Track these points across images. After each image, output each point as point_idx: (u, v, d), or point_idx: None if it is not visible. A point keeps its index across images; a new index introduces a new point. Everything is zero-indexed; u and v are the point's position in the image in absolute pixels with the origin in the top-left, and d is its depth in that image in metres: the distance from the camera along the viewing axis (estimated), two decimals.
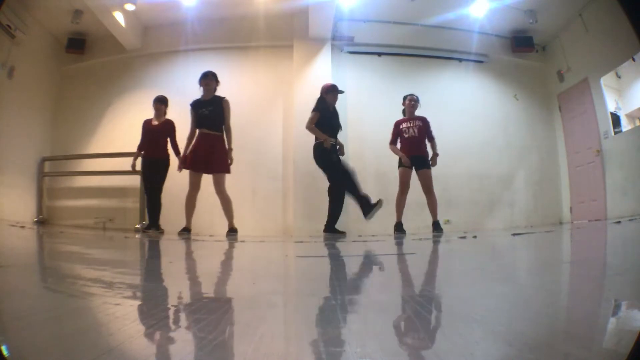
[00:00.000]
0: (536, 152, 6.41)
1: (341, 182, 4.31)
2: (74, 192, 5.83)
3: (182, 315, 0.88)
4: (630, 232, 3.13)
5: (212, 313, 0.84)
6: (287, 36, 6.06)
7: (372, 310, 0.90)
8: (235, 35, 6.12)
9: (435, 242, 3.18)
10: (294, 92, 5.88)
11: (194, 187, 4.32)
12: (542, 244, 2.79)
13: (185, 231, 4.32)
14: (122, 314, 0.87)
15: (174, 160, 4.64)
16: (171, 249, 2.94)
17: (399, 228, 4.53)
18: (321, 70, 5.90)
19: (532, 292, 1.09)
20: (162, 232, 4.70)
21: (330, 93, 4.53)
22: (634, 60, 5.13)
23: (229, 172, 4.35)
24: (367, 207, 4.27)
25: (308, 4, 5.47)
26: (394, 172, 5.56)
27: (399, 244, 3.05)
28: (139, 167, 4.70)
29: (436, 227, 4.45)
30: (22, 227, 4.18)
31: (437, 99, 5.92)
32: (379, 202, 4.26)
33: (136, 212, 5.12)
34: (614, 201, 5.31)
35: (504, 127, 6.35)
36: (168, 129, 4.75)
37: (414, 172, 4.55)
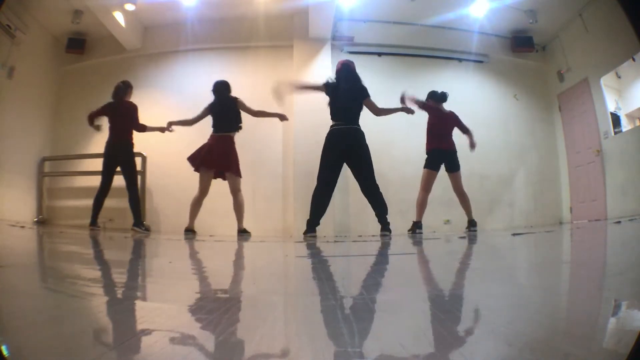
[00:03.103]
0: (536, 152, 6.40)
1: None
2: (74, 192, 5.83)
3: (182, 315, 0.88)
4: (630, 232, 3.13)
5: (212, 313, 0.84)
6: (287, 36, 6.06)
7: (371, 310, 0.90)
8: (235, 35, 6.12)
9: (435, 242, 3.18)
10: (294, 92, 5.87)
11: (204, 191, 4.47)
12: (542, 244, 2.79)
13: (190, 232, 4.40)
14: (122, 314, 0.87)
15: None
16: (171, 249, 2.94)
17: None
18: (321, 70, 5.89)
19: (532, 292, 1.09)
20: (149, 231, 4.77)
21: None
22: (634, 60, 5.13)
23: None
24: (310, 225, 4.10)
25: (308, 4, 5.47)
26: (394, 173, 5.57)
27: (398, 244, 3.05)
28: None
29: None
30: (22, 227, 4.18)
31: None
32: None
33: None
34: (614, 201, 5.31)
35: (504, 127, 6.35)
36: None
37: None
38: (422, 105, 4.69)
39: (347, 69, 4.34)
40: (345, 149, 4.13)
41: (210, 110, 4.58)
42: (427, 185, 4.62)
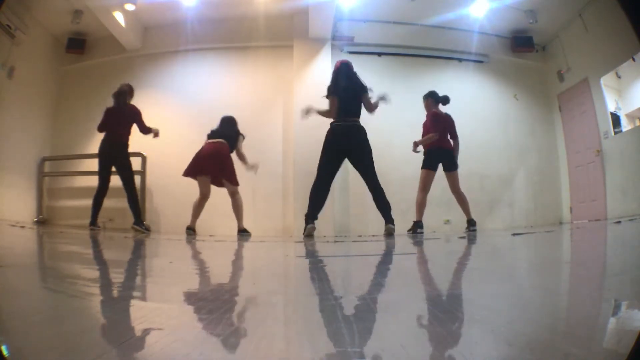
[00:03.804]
0: (536, 152, 6.40)
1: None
2: (74, 192, 5.83)
3: (182, 315, 0.88)
4: (630, 232, 3.13)
5: (212, 313, 0.84)
6: (287, 36, 6.06)
7: (371, 310, 0.90)
8: (235, 35, 6.12)
9: (435, 242, 3.18)
10: (294, 92, 5.88)
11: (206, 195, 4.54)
12: (542, 244, 2.79)
13: (191, 230, 4.47)
14: (122, 314, 0.87)
15: None
16: (171, 249, 2.94)
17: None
18: (321, 70, 5.89)
19: (532, 292, 1.09)
20: (149, 231, 4.80)
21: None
22: (634, 60, 5.13)
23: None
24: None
25: (308, 4, 5.47)
26: (394, 173, 5.56)
27: (399, 244, 3.05)
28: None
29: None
30: (22, 227, 4.18)
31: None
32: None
33: None
34: (614, 201, 5.31)
35: (504, 127, 6.35)
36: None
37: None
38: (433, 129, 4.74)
39: (346, 67, 4.35)
40: (345, 146, 4.14)
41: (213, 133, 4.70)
42: (425, 185, 4.63)
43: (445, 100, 4.78)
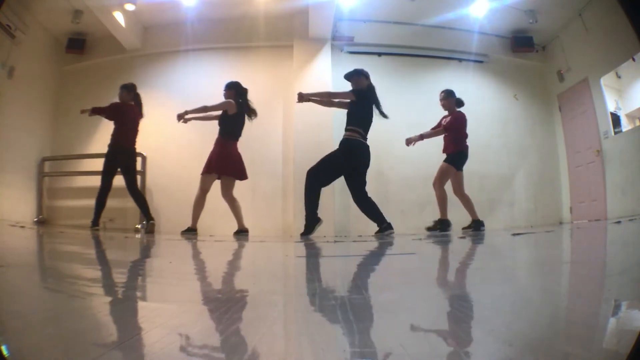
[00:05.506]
0: (536, 152, 6.40)
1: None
2: (74, 192, 5.83)
3: (182, 315, 0.88)
4: (630, 232, 3.13)
5: (212, 313, 0.84)
6: (287, 36, 6.05)
7: (371, 310, 0.90)
8: (235, 35, 6.12)
9: (435, 242, 3.18)
10: (294, 92, 5.86)
11: (205, 190, 4.48)
12: (542, 244, 2.79)
13: (191, 231, 4.41)
14: (122, 314, 0.87)
15: None
16: (171, 249, 2.94)
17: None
18: (321, 70, 5.89)
19: (532, 292, 1.09)
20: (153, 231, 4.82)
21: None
22: (634, 60, 5.13)
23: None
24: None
25: (308, 4, 5.47)
26: (393, 172, 5.55)
27: (398, 244, 3.05)
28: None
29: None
30: (22, 227, 4.18)
31: (437, 99, 5.92)
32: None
33: (136, 212, 5.12)
34: (614, 201, 5.31)
35: (504, 127, 6.35)
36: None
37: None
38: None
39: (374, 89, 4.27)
40: (356, 165, 4.14)
41: (236, 107, 4.54)
42: (446, 180, 4.62)
43: (462, 103, 4.82)
